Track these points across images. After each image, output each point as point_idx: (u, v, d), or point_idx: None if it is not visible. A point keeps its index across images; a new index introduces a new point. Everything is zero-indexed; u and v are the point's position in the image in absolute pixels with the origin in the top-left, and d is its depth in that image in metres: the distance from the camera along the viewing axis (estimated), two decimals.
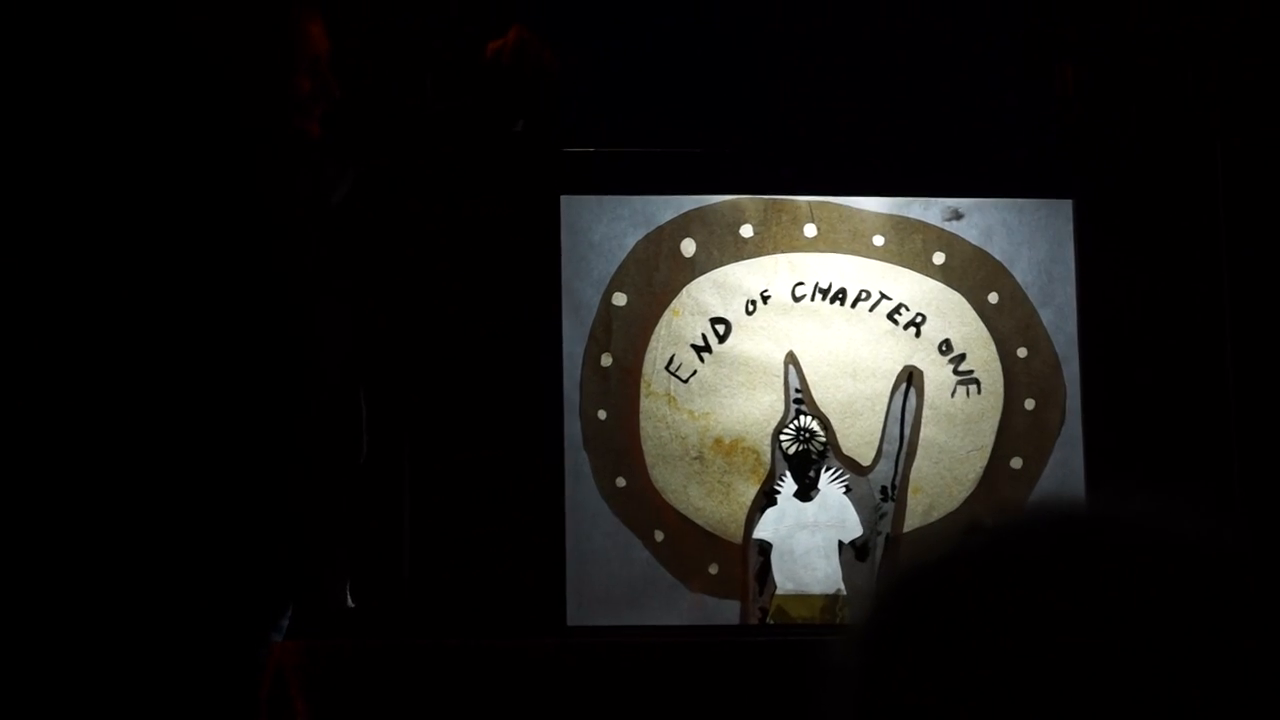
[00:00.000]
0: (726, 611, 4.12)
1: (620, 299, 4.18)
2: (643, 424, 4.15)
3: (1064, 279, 4.25)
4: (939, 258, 4.25)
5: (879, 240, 4.24)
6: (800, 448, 4.17)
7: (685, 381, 4.17)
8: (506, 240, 4.12)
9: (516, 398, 4.09)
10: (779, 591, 4.14)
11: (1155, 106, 4.22)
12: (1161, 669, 0.95)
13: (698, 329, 4.18)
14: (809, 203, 4.24)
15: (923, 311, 4.22)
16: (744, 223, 4.22)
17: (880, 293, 4.22)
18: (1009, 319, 4.25)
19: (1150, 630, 0.96)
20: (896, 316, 4.22)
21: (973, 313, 4.24)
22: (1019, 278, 4.26)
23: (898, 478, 4.18)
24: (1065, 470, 4.20)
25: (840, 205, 4.25)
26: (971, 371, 4.23)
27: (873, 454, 4.19)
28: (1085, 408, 4.22)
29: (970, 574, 1.01)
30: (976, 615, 0.98)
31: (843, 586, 4.14)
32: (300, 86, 3.37)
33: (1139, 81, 4.23)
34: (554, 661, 3.66)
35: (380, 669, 3.58)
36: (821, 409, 4.18)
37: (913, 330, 4.22)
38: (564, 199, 4.19)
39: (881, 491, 4.18)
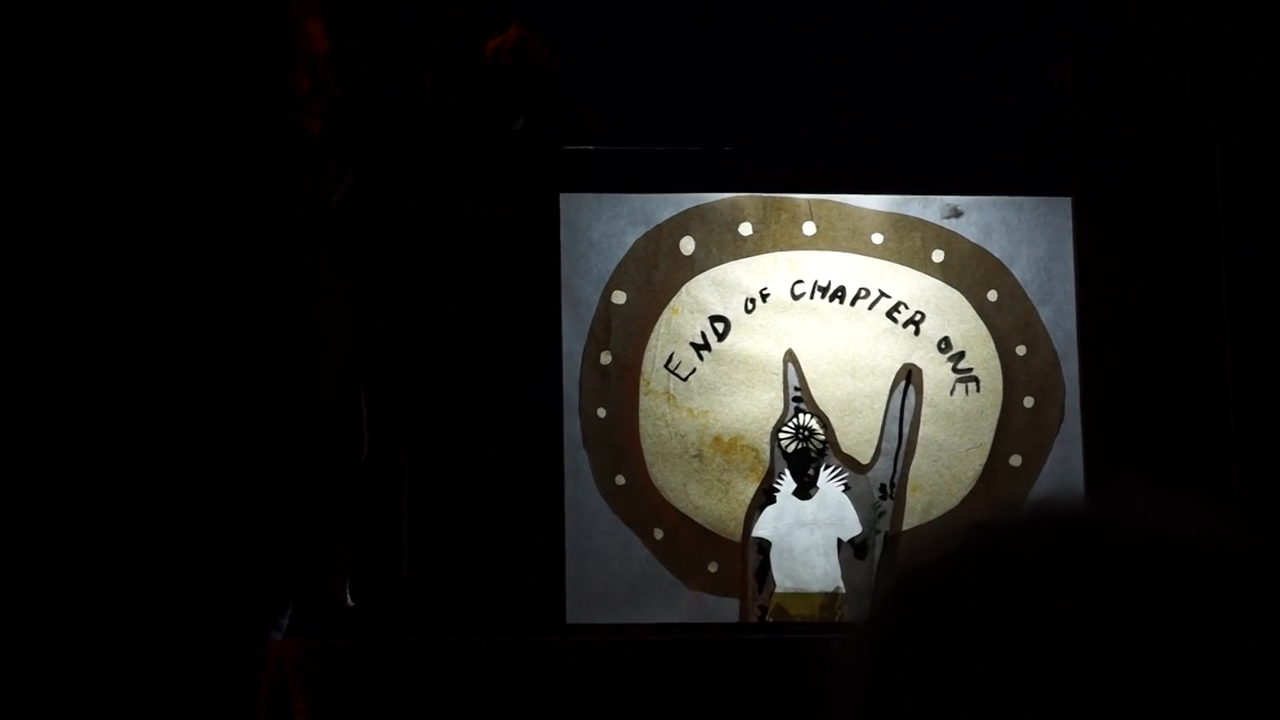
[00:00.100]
0: (726, 609, 4.12)
1: (620, 297, 4.18)
2: (642, 422, 4.15)
3: (1063, 277, 4.25)
4: (938, 255, 4.25)
5: (878, 238, 4.24)
6: (799, 446, 4.17)
7: (684, 380, 4.17)
8: (506, 239, 4.13)
9: (516, 396, 4.09)
10: (778, 589, 4.14)
11: (1155, 106, 4.22)
12: (1161, 668, 0.95)
13: (697, 327, 4.18)
14: (808, 201, 4.25)
15: (922, 309, 4.23)
16: (743, 221, 4.22)
17: (879, 291, 4.22)
18: (1008, 317, 4.25)
19: (1149, 630, 0.96)
20: (895, 314, 4.22)
21: (972, 310, 4.24)
22: (1018, 275, 4.26)
23: (897, 476, 4.18)
24: (1064, 468, 4.20)
25: (839, 203, 4.25)
26: (970, 369, 4.23)
27: (872, 452, 4.19)
28: (1084, 405, 4.22)
29: (969, 573, 1.01)
30: (976, 615, 0.98)
31: (842, 584, 4.15)
32: (300, 85, 3.37)
33: (1139, 81, 4.23)
34: (554, 660, 3.66)
35: (380, 668, 3.58)
36: (820, 407, 4.18)
37: (912, 328, 4.22)
38: (563, 197, 4.19)
39: (880, 489, 4.18)
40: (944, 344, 4.23)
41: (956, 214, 4.26)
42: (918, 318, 4.22)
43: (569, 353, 4.15)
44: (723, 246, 4.21)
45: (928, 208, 4.26)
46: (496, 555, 4.02)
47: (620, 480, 4.14)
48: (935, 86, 4.32)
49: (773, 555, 4.15)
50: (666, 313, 4.19)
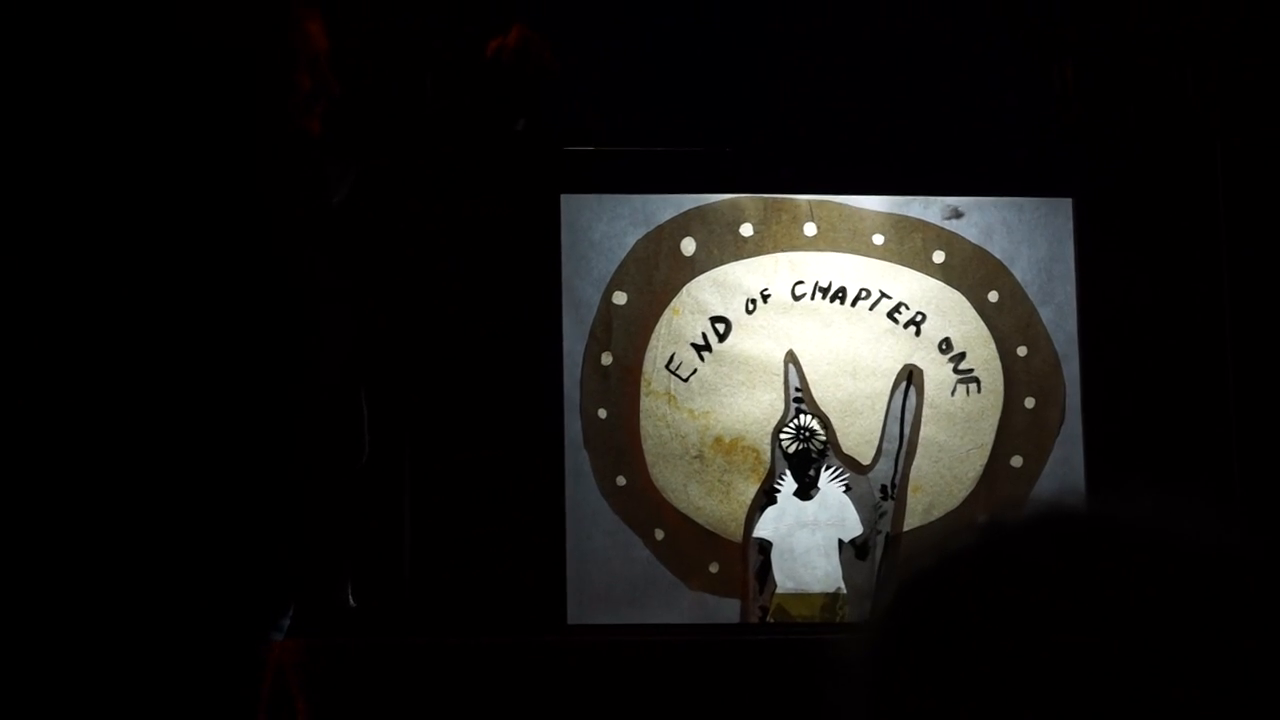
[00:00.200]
0: (727, 610, 4.13)
1: (620, 298, 4.18)
2: (643, 423, 4.15)
3: (1064, 277, 4.25)
4: (939, 256, 4.25)
5: (879, 239, 4.24)
6: (800, 446, 4.17)
7: (685, 380, 4.17)
8: (507, 239, 4.13)
9: (517, 397, 4.09)
10: (779, 590, 4.14)
11: (1155, 106, 4.22)
12: (1161, 668, 0.95)
13: (698, 328, 4.18)
14: (809, 202, 4.25)
15: (923, 310, 4.23)
16: (744, 222, 4.22)
17: (880, 291, 4.22)
18: (1009, 317, 4.25)
19: (1149, 630, 0.96)
20: (896, 315, 4.22)
21: (972, 311, 4.24)
22: (1019, 276, 4.26)
23: (898, 476, 4.18)
24: (1065, 468, 4.20)
25: (840, 204, 4.25)
26: (971, 370, 4.23)
27: (872, 453, 4.19)
28: (1085, 406, 4.22)
29: (970, 574, 1.01)
30: (977, 615, 0.98)
31: (843, 585, 4.15)
32: (300, 85, 3.37)
33: (1139, 81, 4.23)
34: (554, 660, 3.66)
35: (381, 668, 3.58)
36: (821, 408, 4.18)
37: (913, 329, 4.22)
38: (564, 198, 4.19)
39: (881, 490, 4.18)
40: (945, 345, 4.23)
41: (957, 215, 4.26)
42: (918, 318, 4.22)
43: (570, 353, 4.15)
44: (723, 247, 4.21)
45: (928, 209, 4.26)
46: (497, 556, 4.02)
47: (621, 481, 4.14)
48: (936, 87, 4.32)
49: (774, 556, 4.15)
50: (667, 313, 4.19)
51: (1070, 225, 4.26)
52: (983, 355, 4.24)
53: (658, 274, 4.20)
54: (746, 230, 4.22)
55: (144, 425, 3.21)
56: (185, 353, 3.22)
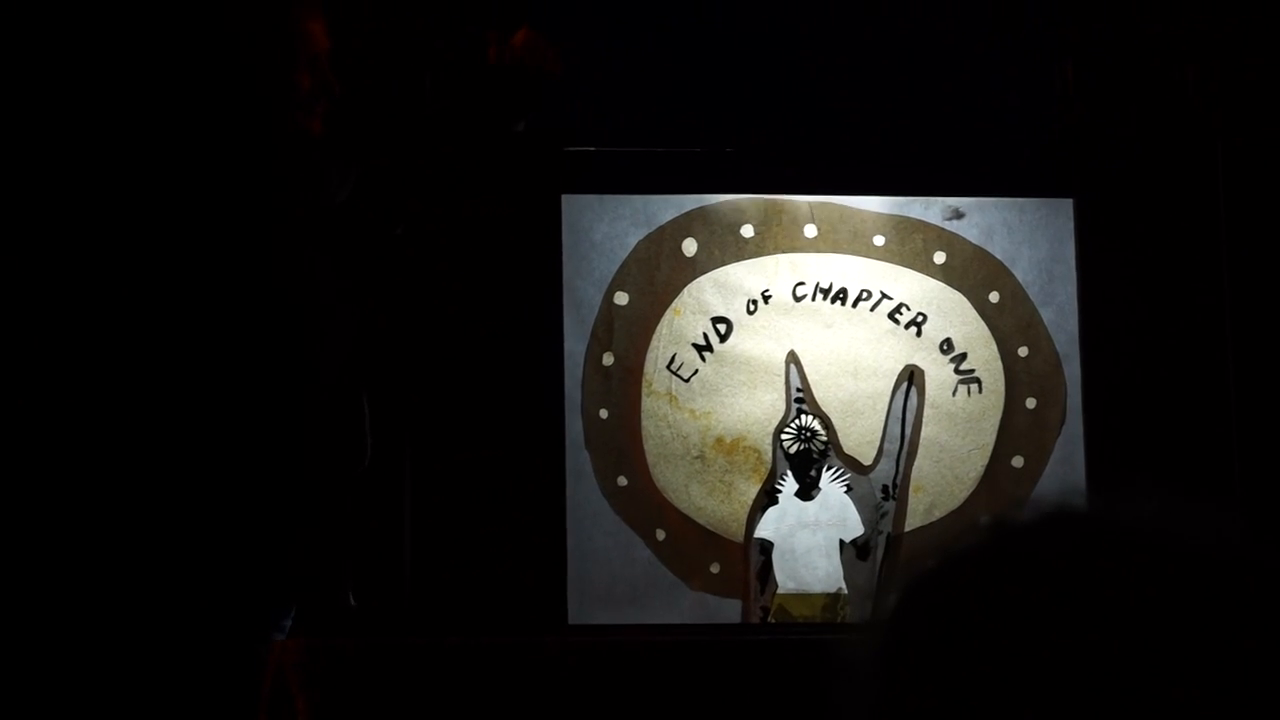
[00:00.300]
0: (728, 610, 4.13)
1: (622, 298, 4.18)
2: (644, 423, 4.15)
3: (1065, 278, 4.25)
4: (940, 257, 4.25)
5: (879, 240, 4.24)
6: (801, 447, 4.17)
7: (687, 381, 4.17)
8: (508, 240, 4.13)
9: (518, 397, 4.09)
10: (780, 590, 4.14)
11: (1155, 106, 4.22)
12: (1161, 668, 0.95)
13: (699, 328, 4.19)
14: (809, 203, 4.25)
15: (924, 311, 4.23)
16: (745, 223, 4.22)
17: (881, 292, 4.22)
18: (1010, 318, 4.25)
19: (1150, 630, 0.96)
20: (897, 316, 4.22)
21: (974, 312, 4.24)
22: (1020, 277, 4.26)
23: (899, 477, 4.18)
24: (1066, 469, 4.20)
25: (841, 205, 4.25)
26: (973, 370, 4.23)
27: (874, 453, 4.19)
28: (1086, 406, 4.22)
29: (971, 574, 1.01)
30: (977, 615, 0.98)
31: (844, 585, 4.15)
32: (300, 84, 3.37)
33: (1139, 81, 4.23)
34: (555, 660, 3.66)
35: (381, 668, 3.58)
36: (823, 408, 4.18)
37: (914, 330, 4.22)
38: (565, 198, 4.19)
39: (883, 490, 4.18)
40: (946, 345, 4.23)
41: (958, 216, 4.26)
42: (919, 319, 4.22)
43: (571, 354, 4.15)
44: (725, 248, 4.21)
45: (929, 209, 4.26)
46: (498, 556, 4.02)
47: (622, 481, 4.14)
48: (936, 87, 4.32)
49: (775, 556, 4.15)
50: (669, 314, 4.19)
51: (1071, 226, 4.27)
52: (984, 356, 4.24)
53: (659, 274, 4.20)
54: (748, 231, 4.22)
55: (145, 426, 3.21)
56: (186, 353, 3.22)
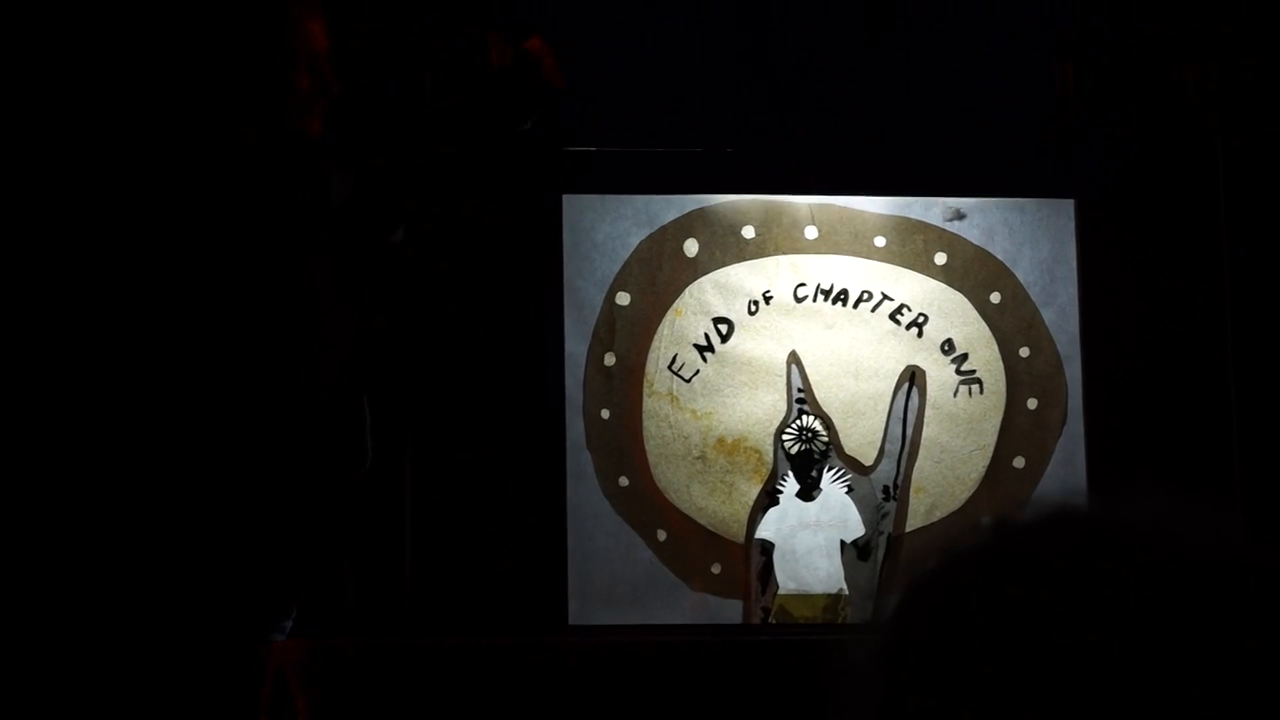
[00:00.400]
0: (729, 611, 4.12)
1: (624, 298, 4.18)
2: (645, 423, 4.15)
3: (1066, 279, 4.25)
4: (941, 258, 4.25)
5: (880, 241, 4.24)
6: (802, 447, 4.17)
7: (688, 381, 4.17)
8: (509, 240, 4.12)
9: (519, 397, 4.09)
10: (781, 591, 4.14)
11: (1155, 106, 4.22)
12: (1161, 668, 0.95)
13: (700, 329, 4.18)
14: (810, 205, 4.25)
15: (925, 312, 4.23)
16: (746, 224, 4.22)
17: (882, 293, 4.22)
18: (1011, 319, 4.25)
19: (1150, 630, 0.96)
20: (899, 317, 4.22)
21: (975, 313, 4.24)
22: (1021, 277, 4.26)
23: (900, 477, 4.18)
24: (1067, 469, 4.20)
25: (841, 207, 4.25)
26: (974, 371, 4.23)
27: (875, 454, 4.19)
28: (1087, 406, 4.22)
29: (972, 575, 1.01)
30: (978, 615, 0.98)
31: (845, 586, 4.14)
32: (299, 84, 3.37)
33: (1139, 81, 4.23)
34: (556, 661, 3.66)
35: (381, 668, 3.58)
36: (824, 409, 4.18)
37: (915, 330, 4.22)
38: (567, 198, 4.19)
39: (883, 491, 4.18)
40: (947, 346, 4.23)
41: (959, 216, 4.26)
42: (921, 320, 4.22)
43: (572, 354, 4.15)
44: (726, 249, 4.21)
45: (930, 210, 4.26)
46: (499, 556, 4.02)
47: (623, 481, 4.14)
48: (937, 89, 4.32)
49: (775, 557, 4.15)
50: (670, 314, 4.19)
51: (1072, 226, 4.26)
52: (985, 356, 4.24)
53: (660, 275, 4.20)
54: (749, 232, 4.22)
55: (144, 427, 3.21)
56: (185, 355, 3.22)
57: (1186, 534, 1.00)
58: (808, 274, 4.22)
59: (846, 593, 4.14)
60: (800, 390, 4.18)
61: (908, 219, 4.25)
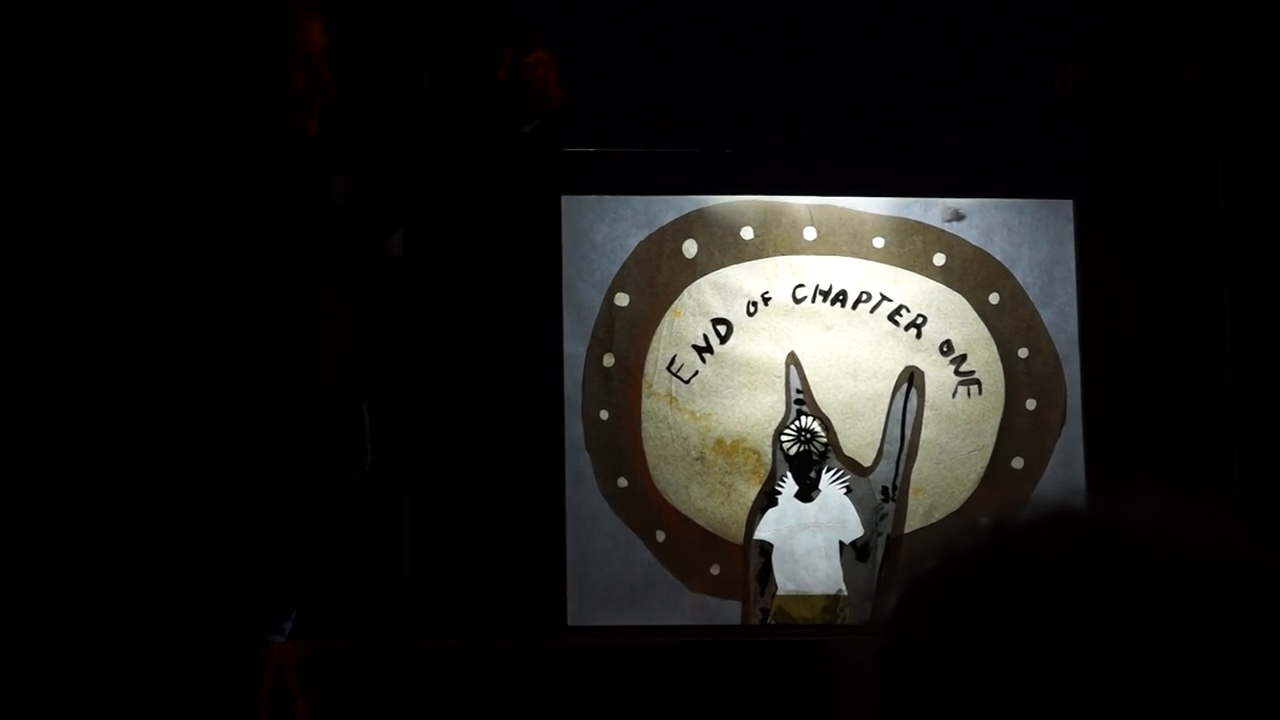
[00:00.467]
0: (728, 612, 4.12)
1: (623, 299, 4.18)
2: (644, 424, 4.15)
3: (1065, 279, 4.25)
4: (939, 259, 4.25)
5: (879, 242, 4.24)
6: (801, 448, 4.17)
7: (687, 382, 4.17)
8: (508, 241, 4.12)
9: (518, 398, 4.08)
10: (780, 592, 4.14)
11: (1155, 106, 4.22)
12: (1161, 669, 0.95)
13: (699, 330, 4.18)
14: (809, 206, 4.24)
15: (924, 313, 4.23)
16: (744, 225, 4.22)
17: (881, 294, 4.22)
18: (1010, 319, 4.25)
19: (1149, 630, 0.96)
20: (897, 318, 4.22)
21: (973, 313, 4.24)
22: (1020, 278, 4.26)
23: (899, 478, 4.18)
24: (1066, 470, 4.20)
25: (840, 207, 4.25)
26: (973, 372, 4.23)
27: (874, 455, 4.19)
28: (1086, 407, 4.22)
29: (971, 575, 1.01)
30: (977, 616, 0.98)
31: (843, 587, 4.14)
32: (294, 84, 3.37)
33: (1139, 81, 4.23)
34: (555, 662, 3.66)
35: (381, 669, 3.58)
36: (822, 410, 4.18)
37: (914, 331, 4.22)
38: (566, 199, 4.19)
39: (882, 492, 4.18)
40: (946, 347, 4.23)
41: (958, 217, 4.26)
42: (919, 321, 4.22)
43: (571, 355, 4.15)
44: (725, 250, 4.21)
45: (929, 211, 4.26)
46: (498, 557, 4.02)
47: (622, 482, 4.14)
48: (936, 88, 4.32)
49: (774, 558, 4.14)
50: (669, 315, 4.19)
51: (1071, 227, 4.26)
52: (984, 357, 4.24)
53: (659, 276, 4.20)
54: (747, 233, 4.22)
55: (144, 428, 3.21)
56: (185, 355, 3.22)
57: (1186, 534, 1.00)
58: (806, 275, 4.22)
59: (845, 594, 4.14)
60: (799, 391, 4.18)
61: (906, 220, 4.25)
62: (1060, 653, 0.95)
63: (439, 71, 4.00)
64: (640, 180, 4.21)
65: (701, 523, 4.14)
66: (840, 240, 4.24)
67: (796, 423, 4.17)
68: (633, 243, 4.20)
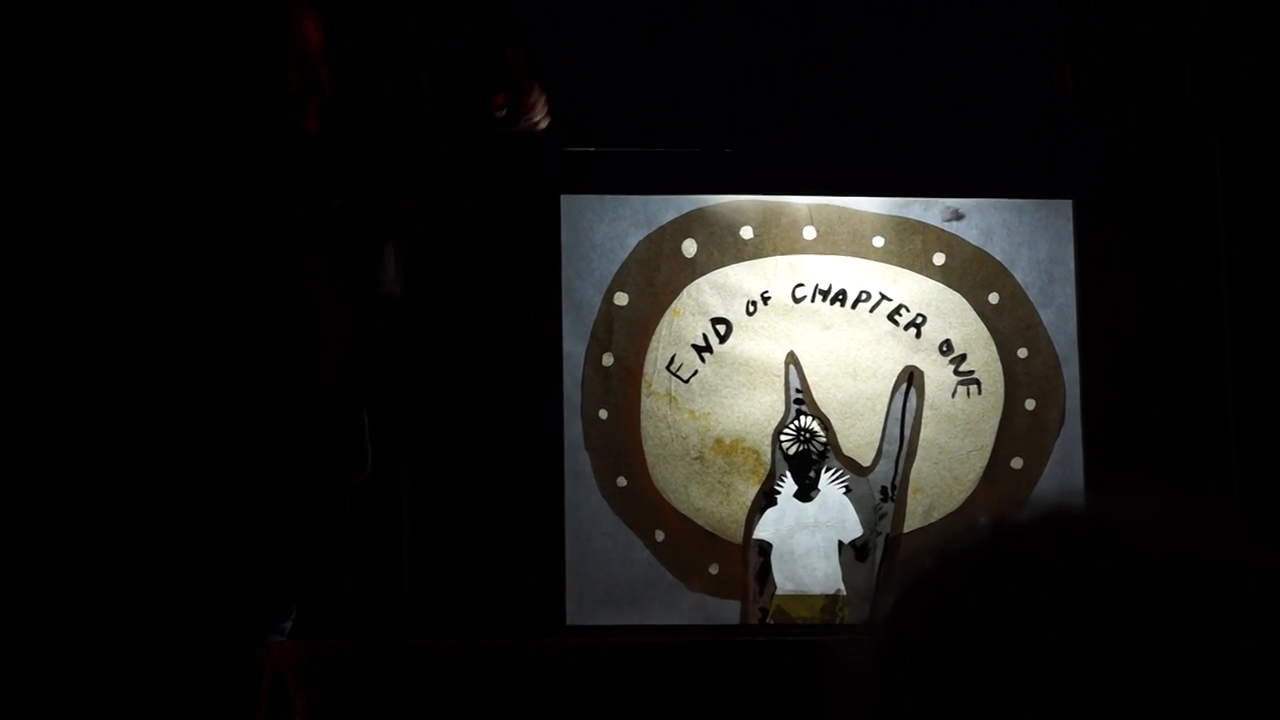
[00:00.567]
0: (727, 611, 4.12)
1: (622, 299, 4.18)
2: (643, 424, 4.15)
3: (1064, 279, 4.25)
4: (939, 258, 4.25)
5: (879, 241, 4.24)
6: (800, 448, 4.17)
7: (686, 381, 4.17)
8: (507, 240, 4.12)
9: (516, 398, 4.08)
10: (779, 591, 4.14)
11: (1154, 106, 4.22)
12: (1159, 669, 0.95)
13: (698, 329, 4.18)
14: (808, 205, 4.24)
15: (923, 312, 4.22)
16: (744, 224, 4.22)
17: (880, 294, 4.22)
18: (1009, 319, 4.25)
19: (1147, 630, 0.96)
20: (897, 317, 4.22)
21: (973, 313, 4.24)
22: (1019, 278, 4.26)
23: (898, 478, 4.18)
24: (1065, 470, 4.20)
25: (840, 207, 4.25)
26: (972, 372, 4.23)
27: (873, 454, 4.19)
28: (1085, 407, 4.22)
29: (969, 575, 1.01)
30: (975, 615, 0.98)
31: (842, 587, 4.14)
32: (289, 81, 3.36)
33: (1136, 82, 4.22)
34: (554, 662, 3.66)
35: (379, 669, 3.58)
36: (822, 409, 4.18)
37: (913, 331, 4.22)
38: (565, 198, 4.19)
39: (881, 492, 4.18)
40: (945, 346, 4.22)
41: (957, 217, 4.25)
42: (919, 320, 4.22)
43: (570, 354, 4.15)
44: (724, 249, 4.21)
45: (928, 211, 4.26)
46: (497, 557, 4.02)
47: (621, 482, 4.14)
48: (935, 88, 4.32)
49: (773, 557, 4.14)
50: (668, 315, 4.19)
51: (1070, 227, 4.26)
52: (983, 357, 4.24)
53: (659, 275, 4.20)
54: (747, 233, 4.22)
55: (143, 428, 3.21)
56: (183, 355, 3.22)
57: (1184, 534, 1.00)
58: (806, 274, 4.22)
59: (844, 593, 4.14)
60: (798, 391, 4.18)
61: (906, 219, 4.25)
62: (1058, 653, 0.94)
63: (436, 70, 4.00)
64: (640, 179, 4.20)
65: (700, 522, 4.14)
66: (840, 240, 4.24)
67: (796, 422, 4.17)
68: (632, 242, 4.20)
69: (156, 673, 3.20)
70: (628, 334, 4.17)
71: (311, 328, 3.33)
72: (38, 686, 3.21)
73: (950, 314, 4.23)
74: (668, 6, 4.34)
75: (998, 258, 4.26)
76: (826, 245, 4.24)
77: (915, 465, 4.19)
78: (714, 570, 4.13)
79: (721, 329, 4.19)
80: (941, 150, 4.28)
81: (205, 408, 3.22)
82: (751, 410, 4.17)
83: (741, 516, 4.15)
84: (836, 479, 4.18)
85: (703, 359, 4.18)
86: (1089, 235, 4.25)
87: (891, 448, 4.19)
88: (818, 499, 4.17)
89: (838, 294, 4.22)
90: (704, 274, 4.20)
